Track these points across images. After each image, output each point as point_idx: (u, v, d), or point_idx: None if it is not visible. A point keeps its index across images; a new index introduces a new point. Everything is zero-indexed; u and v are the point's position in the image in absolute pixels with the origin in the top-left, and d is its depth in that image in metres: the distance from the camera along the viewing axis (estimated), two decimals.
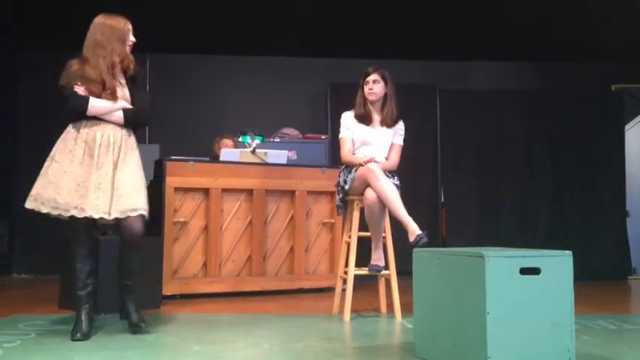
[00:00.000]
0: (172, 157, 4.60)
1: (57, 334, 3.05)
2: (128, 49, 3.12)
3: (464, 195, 6.52)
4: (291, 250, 4.95)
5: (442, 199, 6.56)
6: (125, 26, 3.11)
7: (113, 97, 3.04)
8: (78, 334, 2.92)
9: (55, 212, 2.93)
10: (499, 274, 2.27)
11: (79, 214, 2.91)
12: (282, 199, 4.95)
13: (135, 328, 3.05)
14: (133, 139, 3.14)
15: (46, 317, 3.56)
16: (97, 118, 3.02)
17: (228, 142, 5.41)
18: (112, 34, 3.06)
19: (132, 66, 3.11)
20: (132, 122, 3.12)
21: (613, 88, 6.69)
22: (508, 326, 2.25)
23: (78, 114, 3.00)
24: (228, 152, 4.91)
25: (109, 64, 3.03)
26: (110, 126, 3.04)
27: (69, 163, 2.96)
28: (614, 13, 5.59)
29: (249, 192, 4.79)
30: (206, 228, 4.62)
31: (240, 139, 5.11)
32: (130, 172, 3.04)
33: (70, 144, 2.99)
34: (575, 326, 2.41)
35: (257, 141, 4.98)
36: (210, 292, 4.57)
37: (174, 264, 4.49)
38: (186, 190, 4.55)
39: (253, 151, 4.87)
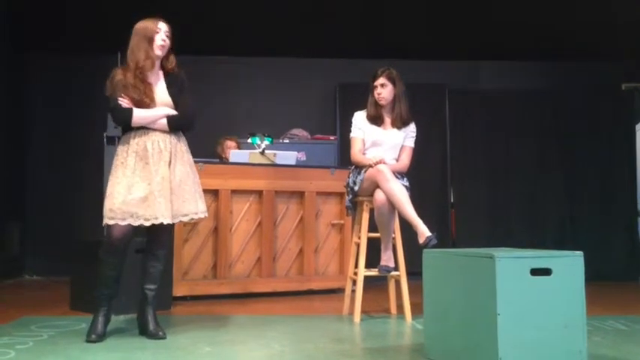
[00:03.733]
0: None
1: (69, 336, 3.07)
2: (158, 50, 3.08)
3: (474, 195, 6.49)
4: (301, 251, 4.95)
5: (452, 200, 6.54)
6: (150, 26, 3.08)
7: (151, 101, 3.05)
8: (93, 336, 2.93)
9: (111, 222, 2.92)
10: (509, 275, 2.26)
11: (135, 223, 2.94)
12: (291, 200, 4.95)
13: (151, 337, 3.04)
14: (182, 143, 3.16)
15: (58, 319, 3.58)
16: (144, 127, 3.04)
17: (231, 143, 5.42)
18: (139, 38, 3.06)
19: (170, 66, 3.13)
20: (176, 128, 3.11)
21: (623, 87, 6.64)
22: (519, 327, 2.25)
23: (123, 126, 3.04)
24: (237, 153, 4.92)
25: (139, 69, 3.03)
26: (158, 133, 3.05)
27: (122, 174, 2.97)
28: (624, 12, 5.56)
29: (259, 193, 4.80)
30: (215, 229, 4.63)
31: (250, 141, 5.12)
32: (182, 177, 3.07)
33: (121, 157, 3.02)
34: (587, 327, 2.40)
35: (266, 142, 4.99)
36: (220, 294, 4.58)
37: (184, 265, 4.50)
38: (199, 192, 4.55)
39: (262, 153, 4.88)
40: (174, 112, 3.09)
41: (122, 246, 3.01)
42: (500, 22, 5.82)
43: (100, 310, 3.01)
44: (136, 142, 3.02)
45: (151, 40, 3.07)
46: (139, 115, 3.01)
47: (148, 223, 2.95)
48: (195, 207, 3.11)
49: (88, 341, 2.90)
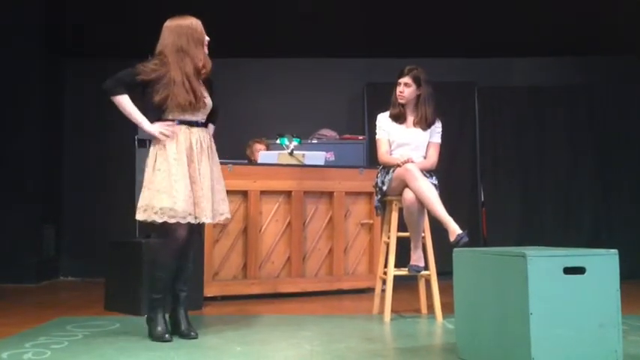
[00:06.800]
0: None
1: (103, 335, 3.12)
2: (206, 50, 3.14)
3: (504, 194, 6.41)
4: (330, 251, 4.96)
5: (482, 198, 6.47)
6: (200, 27, 3.12)
7: (203, 105, 3.08)
8: (166, 335, 2.97)
9: (172, 220, 2.93)
10: (542, 274, 2.23)
11: (194, 221, 2.98)
12: (320, 201, 4.96)
13: (183, 337, 3.07)
14: (213, 143, 3.21)
15: (93, 319, 3.64)
16: (187, 123, 3.06)
17: (260, 146, 5.45)
18: (191, 38, 3.06)
19: (210, 68, 3.15)
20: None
21: None
22: (552, 327, 2.22)
23: (104, 92, 3.04)
24: (266, 154, 4.94)
25: (195, 70, 3.05)
26: (200, 129, 3.11)
27: (176, 171, 2.97)
28: None
29: (288, 194, 4.81)
30: (245, 230, 4.66)
31: (278, 141, 5.15)
32: (217, 176, 3.14)
33: (172, 152, 3.00)
34: (623, 327, 2.36)
35: (295, 143, 5.01)
36: (251, 294, 4.61)
37: (215, 266, 4.54)
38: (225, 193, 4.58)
39: (291, 153, 4.90)
40: (148, 128, 3.02)
41: (184, 245, 3.04)
42: (529, 17, 5.74)
43: (159, 312, 3.04)
44: (184, 138, 3.04)
45: (202, 44, 3.10)
46: (124, 102, 3.04)
47: (195, 221, 2.98)
48: (228, 206, 3.19)
49: (164, 341, 2.93)
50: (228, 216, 3.19)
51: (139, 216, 2.98)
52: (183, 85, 2.99)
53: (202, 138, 3.10)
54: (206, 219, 3.01)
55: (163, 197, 2.93)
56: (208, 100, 3.15)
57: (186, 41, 3.05)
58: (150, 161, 3.04)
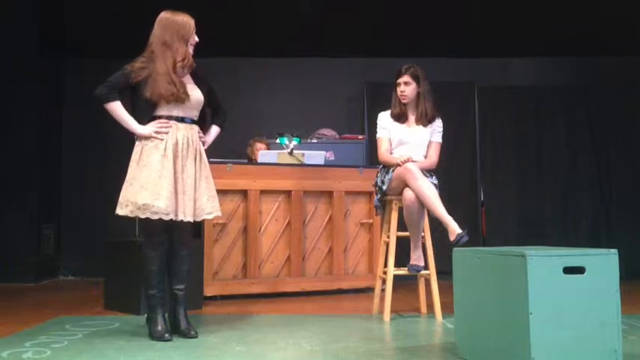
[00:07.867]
0: (210, 160, 4.62)
1: (103, 335, 3.12)
2: (191, 50, 3.13)
3: (504, 193, 6.42)
4: (330, 250, 4.96)
5: (482, 198, 6.47)
6: (189, 25, 3.11)
7: (187, 97, 3.07)
8: (166, 335, 2.98)
9: (155, 217, 2.93)
10: (542, 274, 2.23)
11: (175, 218, 2.98)
12: (320, 200, 4.96)
13: (182, 336, 3.07)
14: (200, 142, 3.21)
15: (93, 318, 3.64)
16: (175, 119, 3.07)
17: (260, 145, 5.45)
18: (174, 33, 3.06)
19: (192, 65, 3.13)
20: (223, 125, 3.37)
21: None
22: (552, 327, 2.22)
23: (97, 100, 3.01)
24: (265, 154, 4.95)
25: (173, 63, 3.05)
26: (187, 127, 3.10)
27: (162, 167, 2.97)
28: None
29: (287, 193, 4.81)
30: (245, 229, 4.66)
31: (278, 141, 5.15)
32: (205, 174, 3.15)
33: (160, 148, 3.00)
34: (622, 326, 2.36)
35: (294, 142, 5.01)
36: (250, 293, 4.61)
37: (215, 265, 4.54)
38: (225, 192, 4.58)
39: (291, 153, 4.90)
40: (142, 132, 3.02)
41: (161, 236, 3.06)
42: (529, 17, 5.74)
43: (159, 311, 3.05)
44: (171, 136, 3.04)
45: (187, 42, 3.10)
46: (117, 109, 3.02)
47: (176, 219, 2.98)
48: (217, 204, 3.18)
49: (164, 340, 2.94)
50: (218, 214, 3.18)
51: (121, 211, 2.99)
52: (165, 76, 3.01)
53: (190, 135, 3.10)
54: (186, 217, 3.00)
55: (146, 194, 2.94)
56: (196, 94, 3.13)
57: (171, 36, 3.07)
58: (135, 156, 3.04)
